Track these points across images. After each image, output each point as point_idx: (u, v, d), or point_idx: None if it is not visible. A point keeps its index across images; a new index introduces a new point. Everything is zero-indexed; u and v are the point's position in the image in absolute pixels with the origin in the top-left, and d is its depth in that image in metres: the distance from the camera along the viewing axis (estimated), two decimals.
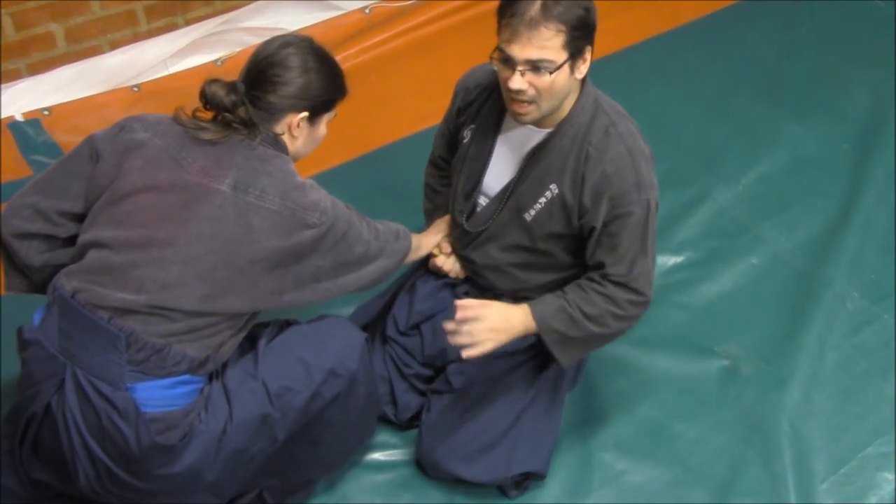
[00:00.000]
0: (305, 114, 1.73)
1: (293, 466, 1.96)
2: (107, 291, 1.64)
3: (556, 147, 1.87)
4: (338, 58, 3.31)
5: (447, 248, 2.15)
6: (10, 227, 1.78)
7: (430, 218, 2.28)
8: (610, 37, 3.50)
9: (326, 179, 2.76)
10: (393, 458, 2.20)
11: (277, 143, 1.73)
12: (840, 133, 3.12)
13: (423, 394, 2.19)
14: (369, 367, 1.96)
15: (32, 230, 1.77)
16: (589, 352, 2.07)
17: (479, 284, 2.13)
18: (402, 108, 3.21)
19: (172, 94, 3.17)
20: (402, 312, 2.21)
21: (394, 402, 2.19)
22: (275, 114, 1.71)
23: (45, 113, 3.10)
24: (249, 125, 1.69)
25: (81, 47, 3.29)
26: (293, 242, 1.67)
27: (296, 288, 1.73)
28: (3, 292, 2.42)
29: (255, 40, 3.37)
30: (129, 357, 1.64)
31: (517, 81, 1.73)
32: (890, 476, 2.17)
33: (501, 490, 2.12)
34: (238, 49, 3.36)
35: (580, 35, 1.72)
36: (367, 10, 3.54)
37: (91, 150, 1.75)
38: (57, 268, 1.76)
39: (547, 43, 1.69)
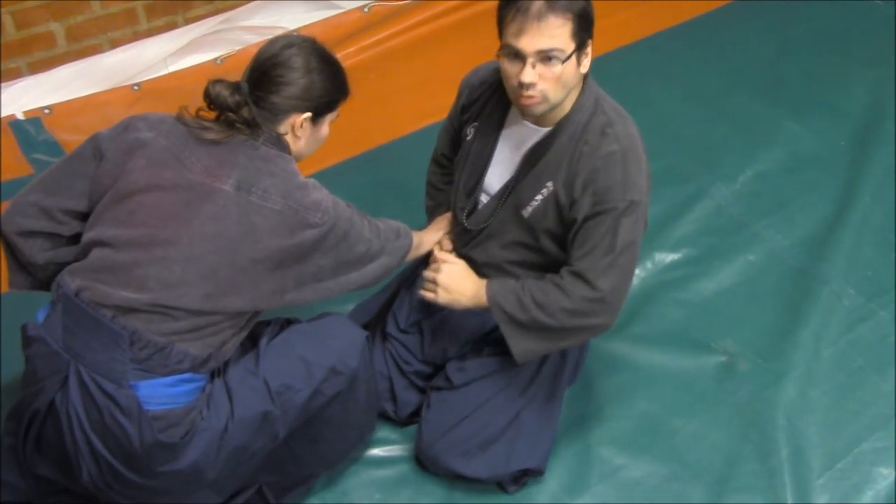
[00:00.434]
0: (308, 114, 1.74)
1: (293, 463, 1.97)
2: (110, 290, 1.65)
3: (555, 145, 1.89)
4: (337, 56, 3.36)
5: (448, 245, 2.16)
6: (13, 225, 1.79)
7: (431, 215, 2.30)
8: (609, 35, 3.52)
9: (327, 177, 2.77)
10: (392, 453, 2.21)
11: (280, 143, 1.74)
12: (837, 131, 3.13)
13: (422, 391, 2.21)
14: (370, 366, 1.97)
15: (36, 228, 1.78)
16: (550, 349, 2.00)
17: None
18: (402, 105, 3.23)
19: (172, 93, 3.18)
20: (402, 310, 2.23)
21: (393, 398, 2.21)
22: (278, 114, 1.72)
23: (46, 111, 3.11)
24: (253, 125, 1.70)
25: (82, 46, 3.30)
26: (295, 242, 1.68)
27: (297, 287, 1.74)
28: (4, 290, 2.44)
29: (255, 39, 3.38)
30: (132, 355, 1.65)
31: (528, 74, 1.74)
32: (885, 471, 2.18)
33: (500, 486, 2.13)
34: (238, 48, 3.37)
35: (584, 26, 1.75)
36: (366, 9, 3.55)
37: (95, 149, 1.76)
38: (60, 266, 1.77)
39: (556, 31, 1.71)
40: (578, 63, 1.78)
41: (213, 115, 1.74)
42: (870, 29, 3.60)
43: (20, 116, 3.09)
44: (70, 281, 1.69)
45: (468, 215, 2.06)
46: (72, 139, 3.04)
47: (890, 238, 2.76)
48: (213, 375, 1.78)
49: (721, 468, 2.19)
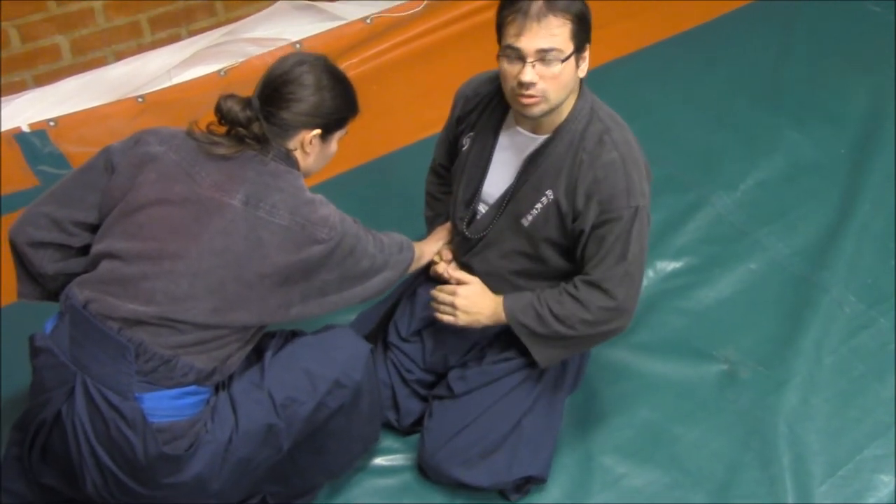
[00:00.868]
0: (318, 131, 1.76)
1: (297, 474, 1.98)
2: (118, 302, 1.66)
3: (552, 153, 1.90)
4: (340, 67, 3.37)
5: (448, 255, 2.18)
6: (25, 236, 1.80)
7: (430, 225, 2.31)
8: (610, 44, 3.54)
9: (329, 187, 2.79)
10: (395, 462, 2.22)
11: (289, 159, 1.75)
12: (838, 138, 3.14)
13: (424, 399, 2.22)
14: (374, 378, 1.99)
15: (47, 239, 1.80)
16: (570, 354, 2.06)
17: None
18: (404, 116, 3.24)
19: (176, 105, 3.20)
20: (403, 319, 2.24)
21: (396, 407, 2.22)
22: (288, 130, 1.74)
23: (51, 124, 3.13)
24: (262, 141, 1.72)
25: (86, 59, 3.32)
26: (302, 257, 1.69)
27: (303, 301, 1.75)
28: (5, 302, 2.45)
29: (258, 51, 3.41)
30: (137, 367, 1.66)
31: (528, 73, 1.76)
32: (886, 478, 2.18)
33: (503, 494, 2.14)
34: (241, 59, 3.39)
35: (582, 28, 1.78)
36: (368, 20, 3.57)
37: (107, 162, 1.78)
38: (70, 277, 1.79)
39: (556, 30, 1.74)
40: (577, 65, 1.81)
41: (223, 129, 1.75)
42: (870, 35, 3.61)
43: (26, 129, 3.11)
44: (78, 292, 1.70)
45: (467, 224, 2.07)
46: (77, 151, 3.06)
47: (890, 245, 2.76)
48: (217, 388, 1.79)
49: (723, 476, 2.19)
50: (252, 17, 3.54)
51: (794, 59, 3.50)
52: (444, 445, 2.08)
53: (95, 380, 1.67)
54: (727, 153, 3.08)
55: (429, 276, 2.21)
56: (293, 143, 1.76)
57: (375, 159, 3.09)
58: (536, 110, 1.83)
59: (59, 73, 3.29)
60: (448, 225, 2.20)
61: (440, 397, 2.16)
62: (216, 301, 1.67)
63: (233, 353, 1.75)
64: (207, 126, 1.75)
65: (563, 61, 1.76)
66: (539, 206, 1.93)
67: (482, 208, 2.05)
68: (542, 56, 1.75)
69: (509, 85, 1.81)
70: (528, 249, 1.99)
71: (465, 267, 2.12)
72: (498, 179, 2.01)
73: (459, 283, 2.07)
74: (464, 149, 2.08)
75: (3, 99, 3.20)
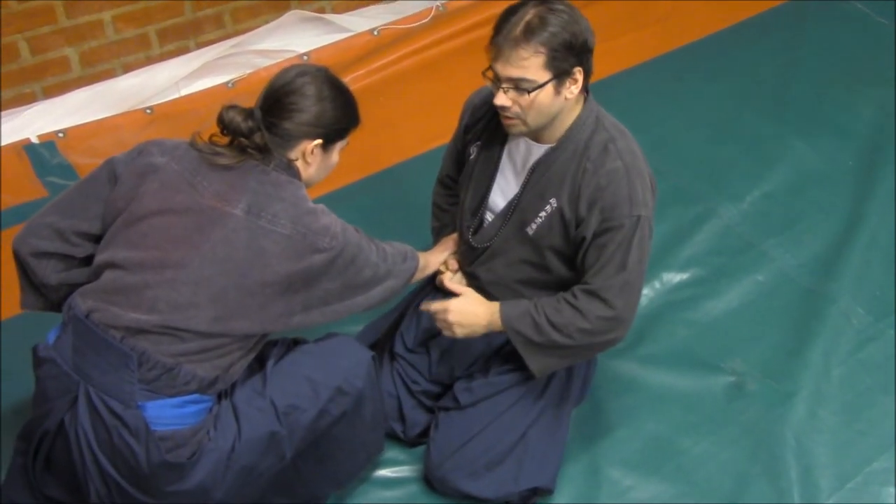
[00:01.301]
0: (319, 141, 1.77)
1: (301, 483, 1.98)
2: (120, 311, 1.67)
3: (556, 162, 1.91)
4: (347, 79, 3.39)
5: (454, 265, 2.18)
6: (28, 246, 1.82)
7: (437, 236, 2.32)
8: (616, 57, 3.55)
9: (335, 198, 2.80)
10: (401, 474, 2.21)
11: (291, 169, 1.76)
12: (844, 150, 3.14)
13: (430, 410, 2.22)
14: (376, 385, 1.99)
15: (50, 249, 1.81)
16: (565, 363, 2.03)
17: None
18: (410, 128, 3.25)
19: (184, 116, 3.22)
20: (410, 330, 2.24)
21: (402, 418, 2.22)
22: (290, 140, 1.75)
23: (60, 135, 3.15)
24: (264, 151, 1.73)
25: (95, 71, 3.34)
26: (304, 266, 1.70)
27: (305, 310, 1.75)
28: (4, 316, 2.45)
29: (266, 62, 3.42)
30: (139, 376, 1.67)
31: (500, 98, 1.80)
32: (895, 491, 2.17)
33: None
34: (249, 71, 3.41)
35: (563, 56, 1.76)
36: (375, 32, 3.58)
37: (110, 172, 1.80)
38: (72, 287, 1.79)
39: (524, 63, 1.75)
40: (557, 91, 1.80)
41: (225, 140, 1.76)
42: (876, 49, 3.61)
43: (34, 140, 3.12)
44: (81, 302, 1.71)
45: (473, 233, 2.07)
46: (85, 162, 3.07)
47: None
48: (220, 396, 1.80)
49: (730, 489, 2.18)
50: (260, 29, 3.55)
51: (800, 71, 3.51)
52: (450, 457, 2.08)
53: (98, 389, 1.67)
54: (734, 165, 3.08)
55: (435, 287, 2.21)
56: (295, 154, 1.76)
57: (382, 170, 3.10)
58: (515, 131, 1.87)
59: (68, 85, 3.31)
60: (454, 235, 2.20)
61: (446, 409, 2.15)
62: (218, 309, 1.67)
63: (235, 362, 1.76)
64: (210, 137, 1.76)
65: (531, 91, 1.77)
66: (543, 214, 1.93)
67: (488, 217, 2.05)
68: (515, 84, 1.78)
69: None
70: (534, 258, 1.99)
71: (471, 276, 2.13)
72: (504, 188, 2.02)
73: (452, 294, 2.06)
74: (471, 158, 2.09)
75: (13, 110, 3.22)
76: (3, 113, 3.21)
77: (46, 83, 3.28)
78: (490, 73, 1.82)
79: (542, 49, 1.74)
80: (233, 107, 1.73)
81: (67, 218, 1.81)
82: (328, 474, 2.02)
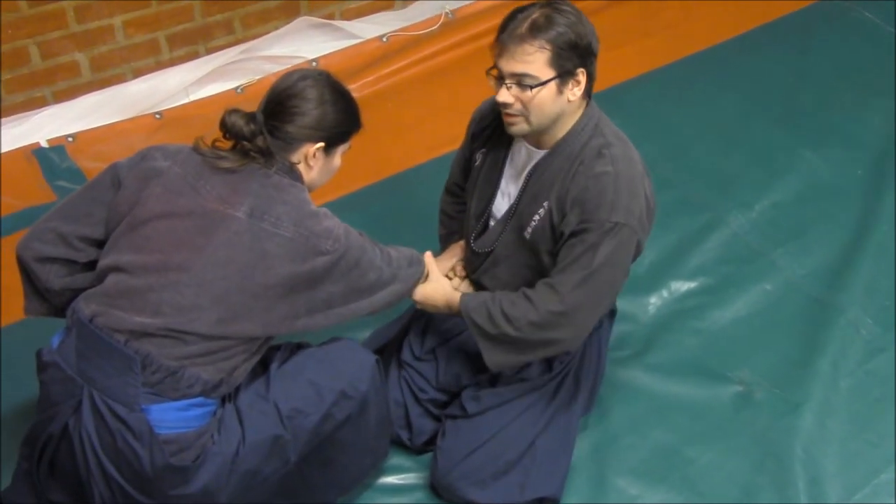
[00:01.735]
0: (321, 144, 1.78)
1: (306, 489, 1.97)
2: (124, 315, 1.68)
3: (552, 166, 1.92)
4: (356, 85, 3.40)
5: (461, 271, 2.18)
6: (31, 251, 1.82)
7: (444, 243, 2.32)
8: (626, 64, 3.55)
9: (344, 204, 2.81)
10: (407, 481, 2.21)
11: (293, 173, 1.77)
12: (854, 160, 3.13)
13: (437, 419, 2.21)
14: (380, 389, 1.98)
15: (53, 254, 1.82)
16: (519, 360, 1.98)
17: None
18: (418, 134, 3.25)
19: (194, 121, 3.22)
20: (418, 338, 2.24)
21: (409, 426, 2.21)
22: (292, 143, 1.76)
23: (70, 140, 3.16)
24: (267, 154, 1.74)
25: (105, 75, 3.35)
26: (306, 268, 1.71)
27: (308, 313, 1.76)
28: (4, 323, 2.46)
29: (275, 68, 3.43)
30: (143, 379, 1.67)
31: (503, 94, 1.82)
32: None
33: None
34: (258, 77, 3.41)
35: (567, 56, 1.78)
36: (384, 39, 3.59)
37: (113, 177, 1.80)
38: (76, 292, 1.80)
39: (529, 58, 1.77)
40: (561, 91, 1.82)
41: (228, 144, 1.77)
42: (885, 58, 3.60)
43: (44, 144, 3.14)
44: (85, 307, 1.72)
45: (476, 238, 2.09)
46: (94, 167, 3.08)
47: None
48: (224, 400, 1.80)
49: (737, 499, 2.17)
50: (269, 35, 3.56)
51: (809, 81, 3.50)
52: (457, 465, 2.07)
53: (102, 392, 1.68)
54: (743, 174, 3.08)
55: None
56: (297, 157, 1.77)
57: (390, 176, 3.10)
58: (516, 129, 1.88)
59: (79, 90, 3.33)
60: (462, 242, 2.20)
61: (453, 417, 2.15)
62: (221, 312, 1.68)
63: (239, 365, 1.76)
64: (213, 142, 1.77)
65: (534, 87, 1.78)
66: (537, 217, 1.94)
67: (492, 223, 2.06)
68: (518, 80, 1.79)
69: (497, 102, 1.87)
70: (533, 262, 1.99)
71: (477, 285, 2.13)
72: (506, 195, 2.03)
73: None
74: (476, 165, 2.10)
75: (23, 114, 3.23)
76: (13, 117, 3.22)
77: (57, 88, 3.29)
78: (494, 72, 1.83)
79: (547, 46, 1.76)
80: (235, 111, 1.75)
81: (71, 223, 1.81)
82: (333, 479, 2.01)
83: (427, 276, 2.04)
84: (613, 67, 3.54)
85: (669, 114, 3.33)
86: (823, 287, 2.68)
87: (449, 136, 3.00)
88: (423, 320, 2.25)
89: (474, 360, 2.16)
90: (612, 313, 2.28)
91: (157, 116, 3.28)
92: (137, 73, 3.41)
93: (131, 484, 1.70)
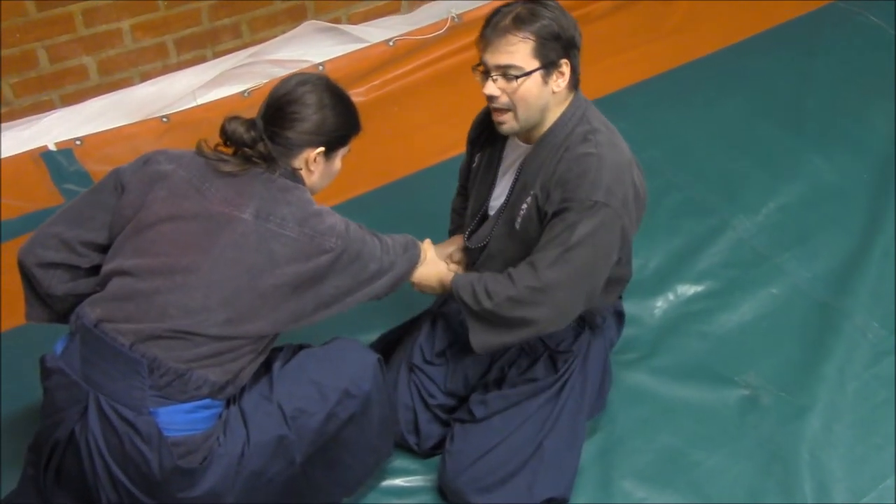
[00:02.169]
0: (322, 148, 1.80)
1: (311, 490, 1.98)
2: (130, 318, 1.69)
3: (539, 156, 1.94)
4: (362, 89, 3.40)
5: (457, 256, 2.22)
6: (34, 257, 1.83)
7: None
8: (632, 68, 3.56)
9: (350, 207, 2.81)
10: (414, 484, 2.21)
11: (295, 177, 1.79)
12: (860, 163, 3.13)
13: (445, 424, 2.22)
14: (383, 388, 1.99)
15: (56, 260, 1.82)
16: (502, 341, 1.97)
17: None
18: (424, 138, 3.26)
19: (200, 125, 3.23)
20: (428, 341, 2.25)
21: (417, 431, 2.22)
22: (292, 149, 1.78)
23: (77, 143, 3.17)
24: (269, 160, 1.76)
25: (113, 79, 3.37)
26: (311, 266, 1.73)
27: (316, 308, 1.78)
28: (3, 328, 2.46)
29: (282, 72, 3.44)
30: (151, 382, 1.68)
31: (489, 87, 1.86)
32: None
33: None
34: (265, 81, 3.42)
35: (551, 46, 1.83)
36: (391, 43, 3.60)
37: (116, 182, 1.82)
38: (78, 297, 1.81)
39: (513, 48, 1.82)
40: (545, 82, 1.85)
41: (230, 151, 1.79)
42: (891, 61, 3.60)
43: (52, 147, 3.15)
44: (90, 311, 1.72)
45: (470, 235, 2.12)
46: (102, 170, 3.09)
47: None
48: (228, 402, 1.81)
49: (743, 502, 2.17)
50: (276, 39, 3.57)
51: (815, 85, 3.50)
52: (466, 470, 2.08)
53: (108, 397, 1.68)
54: (748, 178, 3.08)
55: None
56: (298, 162, 1.79)
57: (397, 180, 3.11)
58: (506, 127, 1.91)
59: (86, 93, 3.34)
60: (460, 238, 2.24)
61: (462, 421, 2.16)
62: (230, 312, 1.69)
63: (245, 367, 1.77)
64: (216, 146, 1.79)
65: (519, 77, 1.82)
66: (525, 205, 1.96)
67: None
68: (503, 72, 1.84)
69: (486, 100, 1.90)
70: (525, 255, 2.00)
71: None
72: (501, 192, 2.06)
73: None
74: (474, 166, 2.15)
75: (32, 118, 3.25)
76: (21, 120, 3.24)
77: (64, 91, 3.31)
78: (480, 68, 1.87)
79: (531, 37, 1.81)
80: (235, 118, 1.76)
81: (74, 228, 1.82)
82: (338, 480, 2.02)
83: (425, 259, 2.06)
84: (619, 71, 3.55)
85: (675, 118, 3.33)
86: (829, 291, 2.68)
87: (455, 139, 3.00)
88: (434, 324, 2.26)
89: (481, 359, 2.18)
90: (620, 316, 2.28)
91: (165, 120, 3.29)
92: (145, 77, 3.43)
93: (139, 487, 1.70)
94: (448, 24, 3.66)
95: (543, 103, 1.88)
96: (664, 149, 3.14)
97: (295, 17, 3.60)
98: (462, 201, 2.33)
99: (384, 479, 2.21)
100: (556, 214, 1.88)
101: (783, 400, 2.39)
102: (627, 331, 2.47)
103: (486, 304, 1.91)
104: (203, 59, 3.50)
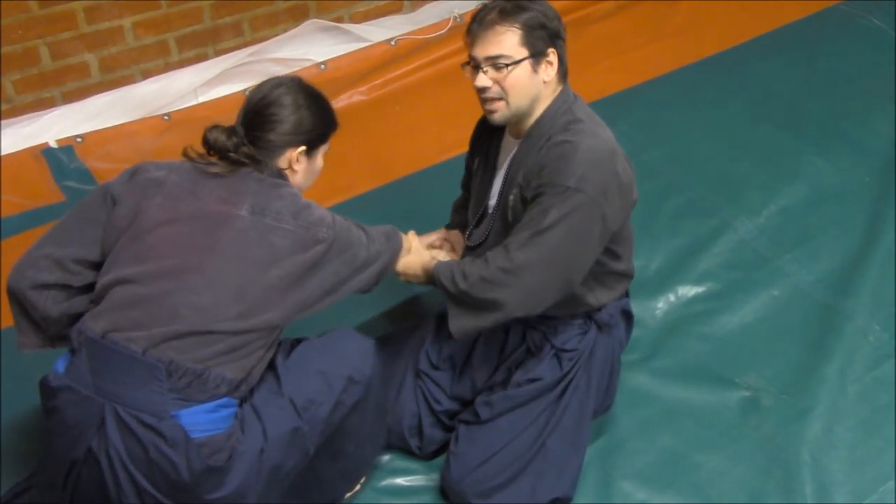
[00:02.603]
0: (303, 147, 1.84)
1: (317, 484, 1.99)
2: (139, 324, 1.69)
3: (526, 148, 1.98)
4: (364, 88, 3.40)
5: (442, 246, 2.27)
6: (27, 280, 1.81)
7: None
8: (633, 69, 3.56)
9: (351, 207, 2.81)
10: (416, 483, 2.21)
11: (282, 176, 1.84)
12: (861, 165, 3.13)
13: (448, 429, 2.22)
14: (381, 372, 2.02)
15: (50, 280, 1.81)
16: (478, 325, 1.96)
17: None
18: (426, 138, 3.26)
19: (202, 123, 3.15)
20: (435, 346, 2.26)
21: (420, 435, 2.22)
22: (275, 150, 1.82)
23: (79, 140, 3.17)
24: (255, 161, 1.80)
25: (115, 76, 3.37)
26: (309, 256, 1.77)
27: (321, 295, 1.82)
28: (8, 323, 2.44)
29: (284, 71, 3.44)
30: (170, 385, 1.67)
31: (481, 79, 1.91)
32: None
33: None
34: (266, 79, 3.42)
35: (538, 35, 1.89)
36: (393, 42, 3.60)
37: (105, 196, 1.82)
38: (73, 318, 1.80)
39: (501, 38, 1.88)
40: (534, 70, 1.90)
41: (215, 157, 1.82)
42: (894, 65, 3.60)
43: (53, 144, 3.15)
44: (93, 325, 1.71)
45: (470, 234, 2.14)
46: (103, 167, 3.09)
47: None
48: (241, 401, 1.81)
49: None
50: (278, 37, 3.57)
51: (817, 86, 3.50)
52: (470, 473, 2.07)
53: (127, 406, 1.67)
54: (750, 179, 3.07)
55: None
56: (282, 162, 1.84)
57: (398, 179, 3.10)
58: (498, 116, 1.96)
59: (88, 90, 3.34)
60: (452, 229, 2.31)
61: (467, 422, 2.15)
62: (241, 306, 1.71)
63: (255, 364, 1.78)
64: (201, 154, 1.82)
65: (509, 65, 1.88)
66: (512, 197, 2.00)
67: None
68: (493, 62, 1.89)
69: (477, 94, 1.94)
70: None
71: None
72: (496, 189, 2.08)
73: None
74: (474, 168, 2.18)
75: (33, 114, 3.25)
76: (23, 117, 3.24)
77: (66, 88, 3.31)
78: (470, 65, 1.93)
79: (517, 27, 1.87)
80: (215, 126, 1.80)
81: (64, 247, 1.82)
82: (341, 470, 2.03)
83: (409, 249, 2.09)
84: (621, 73, 3.55)
85: (677, 119, 3.33)
86: (831, 293, 2.68)
87: (457, 139, 3.00)
88: (439, 328, 2.25)
89: (487, 359, 2.19)
90: (629, 316, 2.27)
91: (166, 118, 3.29)
92: (146, 75, 3.43)
93: (165, 495, 1.69)
94: (450, 24, 3.66)
95: (534, 92, 1.93)
96: (666, 150, 3.14)
97: (297, 15, 3.60)
98: (464, 198, 2.36)
99: (384, 478, 2.20)
100: (533, 199, 1.92)
101: (784, 402, 2.39)
102: None
103: (462, 284, 1.94)
104: (204, 58, 3.51)
